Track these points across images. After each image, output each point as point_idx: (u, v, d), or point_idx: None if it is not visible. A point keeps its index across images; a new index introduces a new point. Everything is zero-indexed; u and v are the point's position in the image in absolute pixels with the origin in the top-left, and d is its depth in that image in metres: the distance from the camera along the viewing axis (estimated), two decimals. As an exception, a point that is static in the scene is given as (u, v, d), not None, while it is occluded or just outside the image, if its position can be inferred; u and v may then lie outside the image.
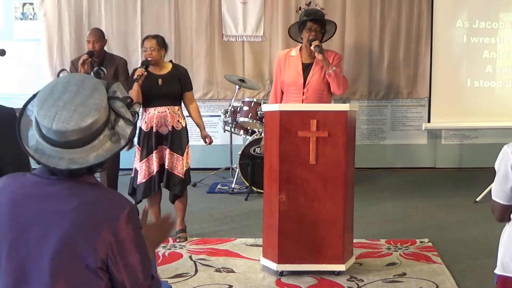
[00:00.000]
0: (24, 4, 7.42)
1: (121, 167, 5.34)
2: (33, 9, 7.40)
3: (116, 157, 5.07)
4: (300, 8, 4.59)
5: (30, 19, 7.43)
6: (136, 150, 4.55)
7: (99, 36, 5.03)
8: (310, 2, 4.60)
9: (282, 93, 4.51)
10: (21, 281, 1.61)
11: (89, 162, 1.62)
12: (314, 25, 4.38)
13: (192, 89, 4.70)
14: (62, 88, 1.63)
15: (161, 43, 4.55)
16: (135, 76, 4.45)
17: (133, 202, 4.46)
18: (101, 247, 1.60)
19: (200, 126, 4.71)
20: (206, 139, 4.73)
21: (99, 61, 4.99)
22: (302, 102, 4.41)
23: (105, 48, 5.34)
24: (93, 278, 1.61)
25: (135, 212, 1.68)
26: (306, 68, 4.44)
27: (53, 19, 7.24)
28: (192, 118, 4.72)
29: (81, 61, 4.87)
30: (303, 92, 4.35)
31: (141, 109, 4.56)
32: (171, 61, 4.70)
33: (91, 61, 4.97)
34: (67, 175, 1.64)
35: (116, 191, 1.86)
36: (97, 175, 4.30)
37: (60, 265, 1.59)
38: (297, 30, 4.56)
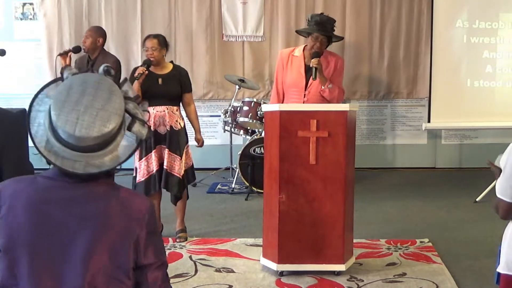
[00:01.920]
0: (24, 4, 7.41)
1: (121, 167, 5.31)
2: (33, 9, 7.39)
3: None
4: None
5: (30, 19, 7.42)
6: None
7: (93, 31, 5.04)
8: (322, 13, 4.48)
9: (284, 92, 4.46)
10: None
11: (105, 165, 1.59)
12: (321, 36, 4.32)
13: (191, 91, 4.72)
14: (79, 91, 1.57)
15: (162, 43, 4.55)
16: (135, 74, 4.46)
17: None
18: (130, 247, 1.62)
19: (195, 128, 4.74)
20: (198, 142, 4.75)
21: (94, 58, 5.00)
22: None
23: (105, 47, 5.33)
24: (123, 278, 1.61)
25: (153, 208, 1.72)
26: (309, 70, 4.39)
27: (53, 19, 7.23)
28: (189, 120, 4.74)
29: (62, 51, 4.91)
30: (305, 94, 4.31)
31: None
32: (171, 61, 4.71)
33: (88, 57, 4.99)
34: (84, 178, 1.60)
35: (133, 190, 1.85)
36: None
37: (92, 269, 1.57)
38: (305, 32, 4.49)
